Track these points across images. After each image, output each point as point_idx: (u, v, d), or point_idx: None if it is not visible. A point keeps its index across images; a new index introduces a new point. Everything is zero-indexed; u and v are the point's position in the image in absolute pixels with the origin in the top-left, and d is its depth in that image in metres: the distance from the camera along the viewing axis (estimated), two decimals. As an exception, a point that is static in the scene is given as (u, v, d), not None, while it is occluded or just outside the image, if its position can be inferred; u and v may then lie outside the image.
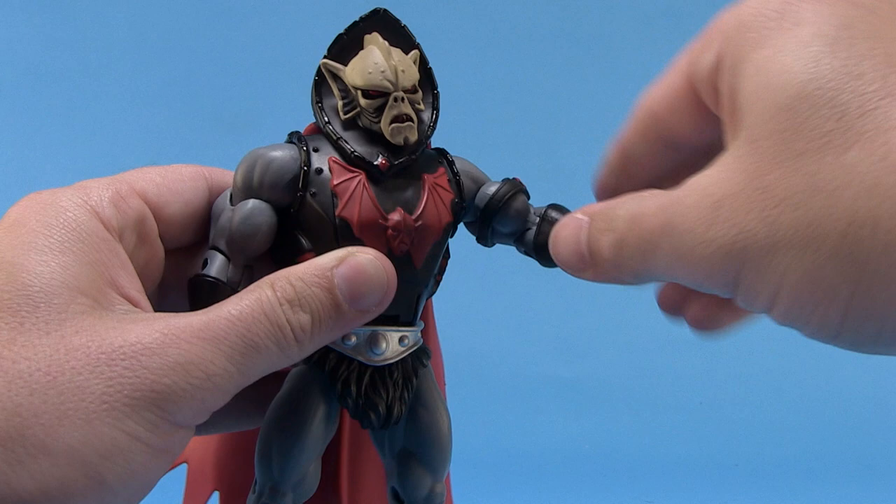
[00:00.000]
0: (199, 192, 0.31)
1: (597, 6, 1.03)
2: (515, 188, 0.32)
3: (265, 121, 0.95)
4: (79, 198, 0.28)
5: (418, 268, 0.30)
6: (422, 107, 0.31)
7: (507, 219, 0.32)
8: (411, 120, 0.30)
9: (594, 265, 0.28)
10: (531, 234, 0.32)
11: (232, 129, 0.97)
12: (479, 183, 0.32)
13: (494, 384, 0.92)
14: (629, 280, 0.27)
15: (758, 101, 0.24)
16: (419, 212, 0.30)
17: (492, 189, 0.32)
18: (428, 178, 0.31)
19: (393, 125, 0.30)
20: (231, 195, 0.31)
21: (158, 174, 0.31)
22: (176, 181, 0.31)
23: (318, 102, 0.31)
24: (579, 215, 0.28)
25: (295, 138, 0.31)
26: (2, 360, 0.24)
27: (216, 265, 0.30)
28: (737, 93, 0.25)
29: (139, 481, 0.25)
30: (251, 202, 0.30)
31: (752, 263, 0.23)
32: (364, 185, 0.30)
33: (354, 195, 0.29)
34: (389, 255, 0.29)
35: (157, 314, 0.27)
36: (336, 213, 0.29)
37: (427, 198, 0.30)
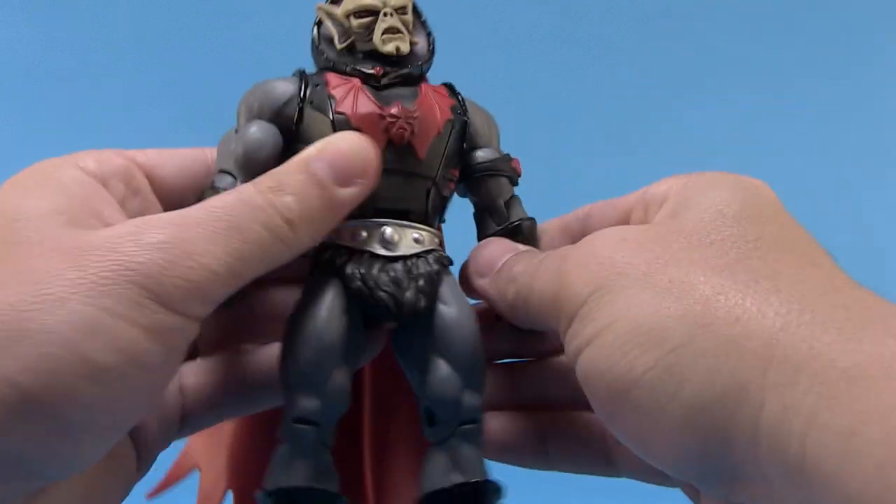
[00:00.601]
0: (197, 162, 0.32)
1: (597, 6, 1.03)
2: (498, 168, 0.33)
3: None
4: (58, 159, 0.29)
5: (422, 158, 0.31)
6: (413, 37, 0.32)
7: (476, 189, 0.33)
8: (401, 32, 0.31)
9: (493, 279, 0.31)
10: (490, 222, 0.33)
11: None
12: (486, 133, 0.33)
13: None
14: (506, 306, 0.31)
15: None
16: (416, 105, 0.31)
17: (479, 156, 0.33)
18: (426, 86, 0.32)
19: (384, 35, 0.31)
20: (236, 129, 0.31)
21: (153, 150, 0.32)
22: (171, 152, 0.32)
23: (317, 45, 0.32)
24: (521, 246, 0.32)
25: (297, 72, 0.32)
26: None
27: (224, 184, 0.30)
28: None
29: (134, 363, 0.24)
30: (255, 122, 0.30)
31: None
32: (360, 87, 0.30)
33: (350, 95, 0.30)
34: (390, 146, 0.30)
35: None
36: (333, 110, 0.30)
37: (424, 96, 0.31)
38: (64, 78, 1.01)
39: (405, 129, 0.30)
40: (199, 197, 0.30)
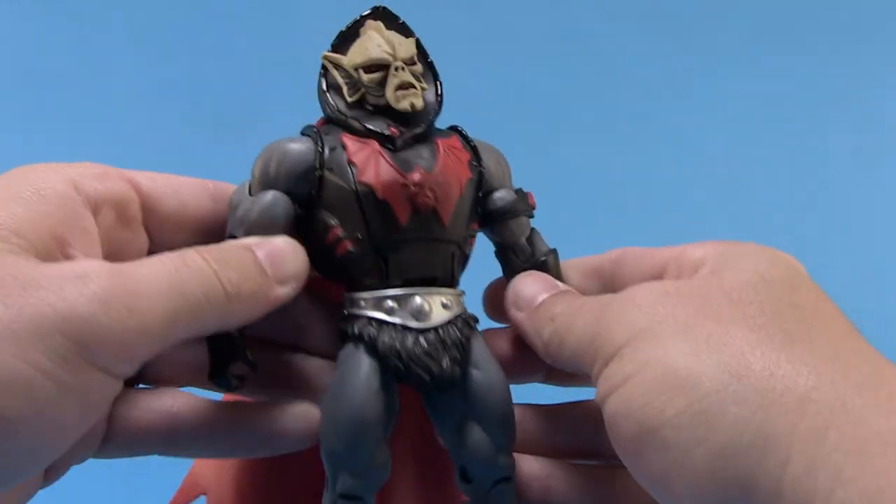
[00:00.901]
0: (199, 198, 0.31)
1: (597, 6, 1.03)
2: (518, 210, 0.33)
3: (265, 121, 0.95)
4: (58, 167, 0.28)
5: (447, 225, 0.31)
6: (424, 85, 0.31)
7: (499, 231, 0.34)
8: (414, 87, 0.31)
9: (531, 314, 0.32)
10: (515, 259, 0.34)
11: (232, 129, 0.97)
12: (500, 174, 0.33)
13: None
14: (541, 347, 0.32)
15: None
16: (437, 168, 0.30)
17: (498, 200, 0.33)
18: (441, 142, 0.31)
19: (398, 91, 0.30)
20: (249, 187, 0.31)
21: (158, 174, 0.31)
22: (174, 182, 0.31)
23: (324, 92, 0.31)
24: (561, 285, 0.33)
25: (309, 130, 0.31)
26: None
27: None
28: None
29: (46, 422, 0.23)
30: (270, 193, 0.30)
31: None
32: (379, 152, 0.30)
33: (371, 162, 0.30)
34: (415, 214, 0.30)
35: (83, 260, 0.26)
36: (356, 180, 0.29)
37: (442, 156, 0.31)
38: (64, 78, 1.01)
39: (430, 198, 0.30)
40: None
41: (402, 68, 0.30)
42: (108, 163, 0.31)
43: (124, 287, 0.24)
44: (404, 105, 0.30)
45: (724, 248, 0.29)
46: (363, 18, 0.32)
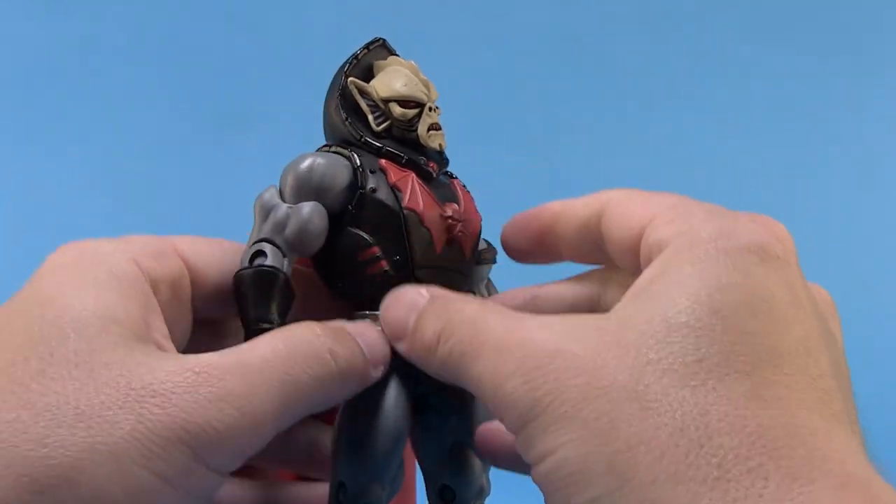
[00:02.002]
0: (237, 258, 0.31)
1: (597, 6, 1.03)
2: (489, 258, 0.35)
3: (265, 121, 0.95)
4: (119, 244, 0.28)
5: (467, 258, 0.33)
6: None
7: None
8: (440, 129, 0.33)
9: (411, 342, 0.29)
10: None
11: (232, 129, 0.97)
12: None
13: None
14: (435, 368, 0.28)
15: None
16: (463, 206, 0.32)
17: (482, 249, 0.34)
18: (456, 182, 0.34)
19: (430, 132, 0.32)
20: (280, 192, 0.31)
21: (203, 242, 0.31)
22: (218, 251, 0.31)
23: (346, 119, 0.32)
24: (423, 291, 0.29)
25: (337, 150, 0.32)
26: (30, 392, 0.23)
27: (272, 256, 0.30)
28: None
29: None
30: (311, 204, 0.30)
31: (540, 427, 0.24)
32: (416, 181, 0.31)
33: (414, 190, 0.31)
34: (448, 245, 0.31)
35: (186, 355, 0.26)
36: (403, 206, 0.31)
37: (461, 195, 0.33)
38: (64, 78, 1.01)
39: (463, 233, 0.32)
40: (241, 260, 0.30)
41: (433, 109, 0.32)
42: (108, 162, 0.31)
43: (237, 387, 0.25)
44: (435, 145, 0.32)
45: (680, 243, 0.26)
46: (370, 47, 0.33)
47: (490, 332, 0.26)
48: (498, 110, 0.99)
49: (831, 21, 1.05)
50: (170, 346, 0.27)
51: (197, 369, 0.25)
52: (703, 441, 0.22)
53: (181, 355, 0.26)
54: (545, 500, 0.24)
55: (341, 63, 0.33)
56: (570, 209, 0.32)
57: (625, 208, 0.30)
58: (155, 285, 0.28)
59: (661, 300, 0.24)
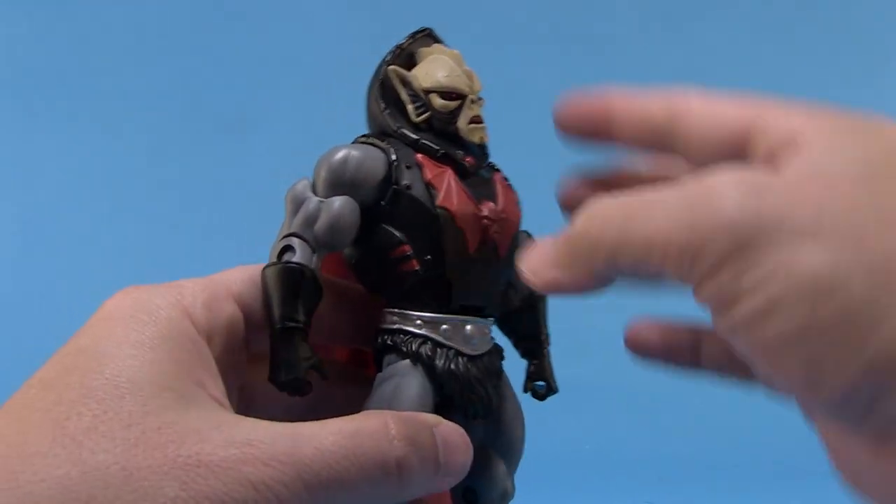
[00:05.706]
0: None
1: (596, 6, 1.03)
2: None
3: (265, 121, 0.95)
4: (173, 297, 0.28)
5: (502, 257, 0.31)
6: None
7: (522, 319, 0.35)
8: (482, 122, 0.31)
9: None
10: (513, 295, 0.34)
11: (232, 129, 0.97)
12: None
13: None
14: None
15: None
16: (500, 203, 0.31)
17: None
18: (497, 177, 0.32)
19: (471, 125, 0.31)
20: (313, 185, 0.30)
21: (252, 278, 0.30)
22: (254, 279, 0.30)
23: (384, 109, 0.31)
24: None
25: (374, 141, 0.31)
26: (81, 448, 0.24)
27: (301, 252, 0.29)
28: None
29: None
30: (343, 199, 0.29)
31: None
32: (453, 177, 0.30)
33: (450, 187, 0.30)
34: (482, 244, 0.30)
35: (241, 420, 0.26)
36: (437, 204, 0.30)
37: (501, 192, 0.31)
38: (64, 78, 1.01)
39: (498, 233, 0.31)
40: (270, 254, 0.29)
41: (475, 101, 0.31)
42: (108, 162, 0.31)
43: (278, 476, 0.24)
44: (475, 138, 0.31)
45: (818, 124, 0.26)
46: (416, 38, 0.32)
47: (660, 197, 0.24)
48: (497, 107, 0.99)
49: (831, 21, 1.05)
50: (225, 401, 0.27)
51: (245, 448, 0.25)
52: None
53: (235, 420, 0.26)
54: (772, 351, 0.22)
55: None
56: (634, 99, 0.29)
57: (707, 111, 0.28)
58: (210, 338, 0.28)
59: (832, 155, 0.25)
